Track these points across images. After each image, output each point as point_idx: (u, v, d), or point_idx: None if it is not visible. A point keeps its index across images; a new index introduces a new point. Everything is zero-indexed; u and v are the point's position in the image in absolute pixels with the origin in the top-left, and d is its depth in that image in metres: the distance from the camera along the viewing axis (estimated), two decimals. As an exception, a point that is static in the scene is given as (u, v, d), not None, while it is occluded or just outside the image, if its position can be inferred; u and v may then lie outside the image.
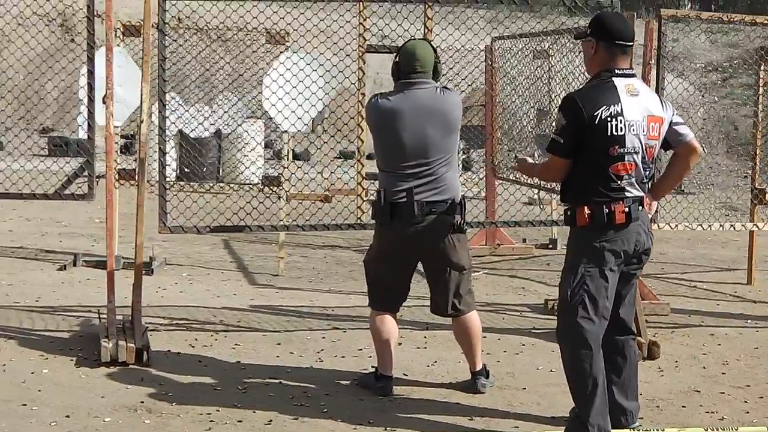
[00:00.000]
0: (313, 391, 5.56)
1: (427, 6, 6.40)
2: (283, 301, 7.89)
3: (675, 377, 6.12)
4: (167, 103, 11.95)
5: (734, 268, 10.12)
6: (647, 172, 4.91)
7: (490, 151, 10.43)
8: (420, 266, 5.60)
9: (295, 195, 10.09)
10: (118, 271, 8.72)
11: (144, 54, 6.26)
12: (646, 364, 6.25)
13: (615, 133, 4.72)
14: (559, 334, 4.95)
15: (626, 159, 4.76)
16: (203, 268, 9.32)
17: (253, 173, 15.24)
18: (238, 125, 15.08)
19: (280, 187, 8.91)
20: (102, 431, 4.88)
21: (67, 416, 5.05)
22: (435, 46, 5.42)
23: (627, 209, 4.78)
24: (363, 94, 6.74)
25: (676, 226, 7.67)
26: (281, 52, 8.82)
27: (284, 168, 8.85)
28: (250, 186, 10.56)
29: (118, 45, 9.07)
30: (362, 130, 6.97)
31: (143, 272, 8.49)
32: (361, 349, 6.44)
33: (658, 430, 5.09)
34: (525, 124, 10.93)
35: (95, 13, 6.35)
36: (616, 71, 4.83)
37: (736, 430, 5.03)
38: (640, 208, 4.86)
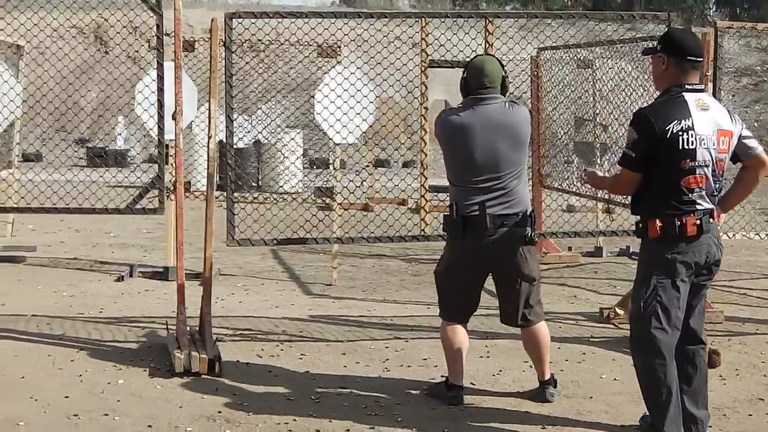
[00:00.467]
0: (385, 401, 5.66)
1: (487, 21, 6.50)
2: (341, 311, 8.00)
3: (737, 385, 6.19)
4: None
5: (780, 276, 10.17)
6: (717, 185, 5.00)
7: (537, 161, 10.51)
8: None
9: (341, 203, 10.22)
10: (173, 282, 8.94)
11: (212, 71, 6.39)
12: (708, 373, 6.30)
13: (686, 147, 4.82)
14: (632, 345, 5.03)
15: (697, 172, 4.86)
16: (256, 278, 9.45)
17: (294, 184, 15.39)
18: (277, 138, 15.24)
19: (333, 199, 9.03)
20: (185, 441, 5.01)
21: (149, 426, 5.17)
22: (502, 62, 5.52)
23: (698, 221, 4.87)
24: (426, 108, 6.83)
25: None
26: (332, 67, 8.94)
27: (337, 180, 8.96)
28: (300, 196, 10.69)
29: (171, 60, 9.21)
30: (425, 143, 7.06)
31: (199, 283, 8.70)
32: (426, 359, 6.53)
33: (729, 438, 5.17)
34: (564, 132, 11.03)
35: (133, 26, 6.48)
36: (686, 86, 4.92)
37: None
38: (711, 220, 4.95)
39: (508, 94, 5.56)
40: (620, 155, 5.02)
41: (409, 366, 6.39)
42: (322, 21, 6.61)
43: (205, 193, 12.41)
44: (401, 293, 8.90)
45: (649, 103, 9.71)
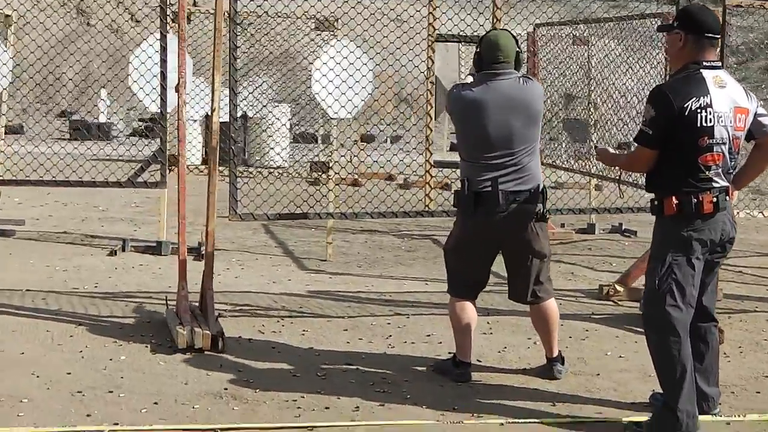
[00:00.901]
0: (393, 378, 5.61)
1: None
2: (339, 287, 7.94)
3: (743, 363, 6.17)
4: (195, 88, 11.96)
5: (773, 253, 10.20)
6: (733, 163, 4.95)
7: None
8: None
9: (333, 178, 10.12)
10: (167, 257, 8.87)
11: (215, 44, 6.27)
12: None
13: (704, 124, 4.76)
14: (646, 322, 4.98)
15: (715, 150, 4.80)
16: (250, 253, 9.36)
17: (283, 159, 15.27)
18: (266, 108, 15.08)
19: (328, 174, 8.95)
20: (193, 418, 4.93)
21: (156, 403, 5.09)
22: (516, 36, 5.44)
23: (715, 199, 4.83)
24: (432, 83, 6.75)
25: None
26: (328, 41, 8.83)
27: (329, 155, 8.87)
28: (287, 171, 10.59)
29: (168, 31, 9.07)
30: (431, 119, 6.99)
31: (194, 257, 8.62)
32: (429, 335, 6.49)
33: (740, 416, 5.15)
34: (559, 109, 11.00)
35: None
36: (704, 63, 4.86)
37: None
38: (727, 198, 4.91)
39: (521, 69, 5.49)
40: (636, 132, 4.96)
41: (413, 342, 6.34)
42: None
43: (199, 167, 12.32)
44: (398, 269, 8.85)
45: (636, 81, 9.79)
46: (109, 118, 20.62)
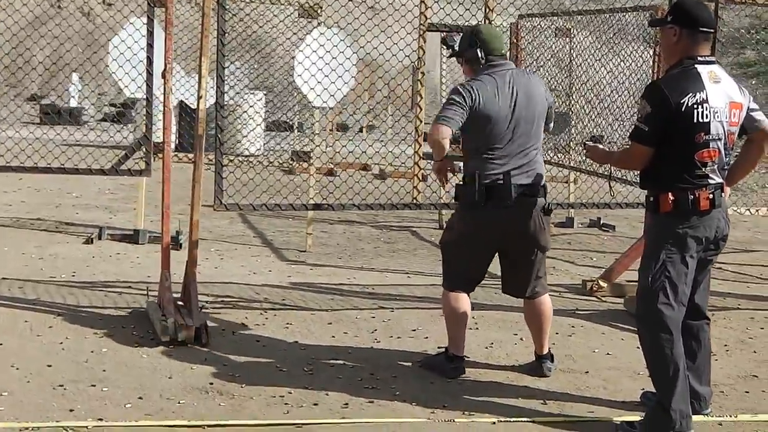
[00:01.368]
0: (380, 373, 5.52)
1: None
2: (320, 279, 7.84)
3: (729, 362, 6.14)
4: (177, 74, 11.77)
5: (752, 250, 10.19)
6: (727, 159, 4.90)
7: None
8: None
9: (306, 168, 10.01)
10: (144, 245, 8.73)
11: (203, 28, 6.14)
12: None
13: (701, 120, 4.70)
14: (639, 320, 4.93)
15: (711, 146, 4.75)
16: (228, 243, 9.23)
17: (258, 147, 15.12)
18: (239, 96, 14.91)
19: (310, 163, 8.84)
20: (179, 413, 4.82)
21: (140, 398, 4.98)
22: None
23: (711, 196, 4.78)
24: (422, 73, 6.65)
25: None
26: (314, 27, 8.72)
27: (316, 145, 8.77)
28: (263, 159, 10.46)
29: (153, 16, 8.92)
30: (420, 109, 6.89)
31: (171, 247, 8.48)
32: (414, 330, 6.41)
33: (731, 416, 5.12)
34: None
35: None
36: (699, 58, 4.80)
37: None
38: (722, 194, 4.86)
39: None
40: (631, 129, 4.88)
41: (399, 337, 6.26)
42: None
43: (185, 156, 12.12)
44: (378, 261, 8.76)
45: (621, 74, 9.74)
46: (80, 103, 20.34)
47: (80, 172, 6.43)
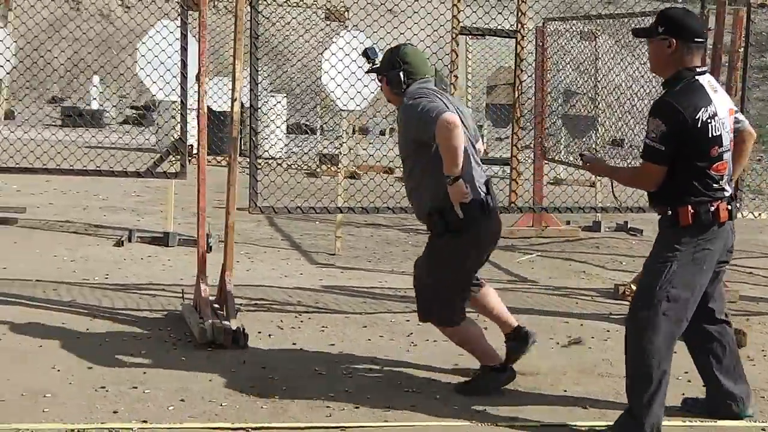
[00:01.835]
0: (419, 378, 5.50)
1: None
2: (351, 282, 7.84)
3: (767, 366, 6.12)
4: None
5: (782, 254, 10.18)
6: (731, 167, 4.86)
7: (540, 134, 10.38)
8: None
9: (327, 171, 10.00)
10: (174, 248, 8.75)
11: (236, 32, 6.15)
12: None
13: (714, 134, 4.65)
14: (634, 324, 4.76)
15: (724, 158, 4.71)
16: (257, 246, 9.24)
17: (279, 149, 15.12)
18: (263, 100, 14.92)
19: (338, 166, 8.84)
20: (222, 416, 4.82)
21: (182, 400, 4.98)
22: None
23: (729, 207, 4.73)
24: (456, 77, 6.63)
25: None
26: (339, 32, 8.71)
27: (346, 149, 8.76)
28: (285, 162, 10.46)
29: (175, 19, 8.93)
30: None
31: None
32: (450, 334, 6.39)
33: (774, 422, 5.09)
34: (556, 106, 10.94)
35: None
36: (697, 69, 4.72)
37: None
38: (737, 205, 4.84)
39: None
40: (643, 149, 4.70)
41: (435, 341, 6.23)
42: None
43: (218, 158, 12.15)
44: (407, 264, 8.69)
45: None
46: (101, 105, 20.40)
47: (116, 175, 6.47)
